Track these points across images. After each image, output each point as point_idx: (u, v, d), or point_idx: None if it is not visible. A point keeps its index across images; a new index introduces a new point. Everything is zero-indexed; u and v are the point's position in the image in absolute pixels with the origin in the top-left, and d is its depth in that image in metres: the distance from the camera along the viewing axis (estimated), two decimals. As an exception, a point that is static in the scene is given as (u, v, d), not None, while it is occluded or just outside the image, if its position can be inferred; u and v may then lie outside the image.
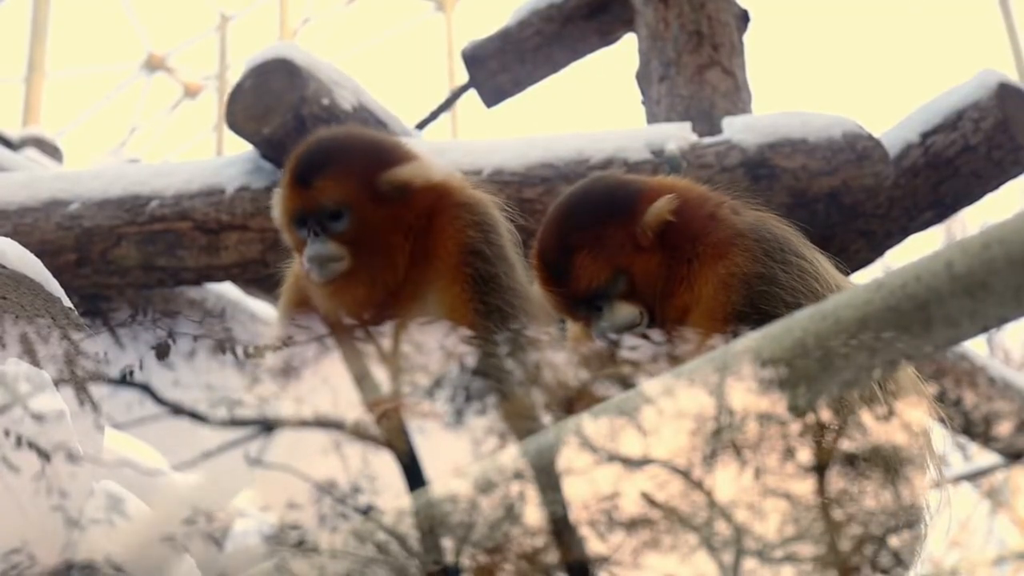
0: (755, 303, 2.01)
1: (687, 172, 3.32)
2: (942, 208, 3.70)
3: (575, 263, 2.15)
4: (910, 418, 1.95)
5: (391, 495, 1.52)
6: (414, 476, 1.56)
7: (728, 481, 1.41)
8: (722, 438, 1.40)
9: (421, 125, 4.39)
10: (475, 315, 2.09)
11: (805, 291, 2.04)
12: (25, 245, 2.22)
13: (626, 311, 2.12)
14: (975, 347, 5.68)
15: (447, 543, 1.47)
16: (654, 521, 1.41)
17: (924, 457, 2.01)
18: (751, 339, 1.42)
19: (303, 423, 1.55)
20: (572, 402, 1.63)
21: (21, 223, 3.51)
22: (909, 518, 1.90)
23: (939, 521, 2.04)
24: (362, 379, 1.77)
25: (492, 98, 4.40)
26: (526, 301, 2.16)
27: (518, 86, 4.38)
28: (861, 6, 13.62)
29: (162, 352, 1.60)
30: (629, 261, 2.13)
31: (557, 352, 1.80)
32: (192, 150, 11.37)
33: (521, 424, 1.54)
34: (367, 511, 1.51)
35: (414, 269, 2.18)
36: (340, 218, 2.16)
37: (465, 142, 3.67)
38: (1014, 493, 8.56)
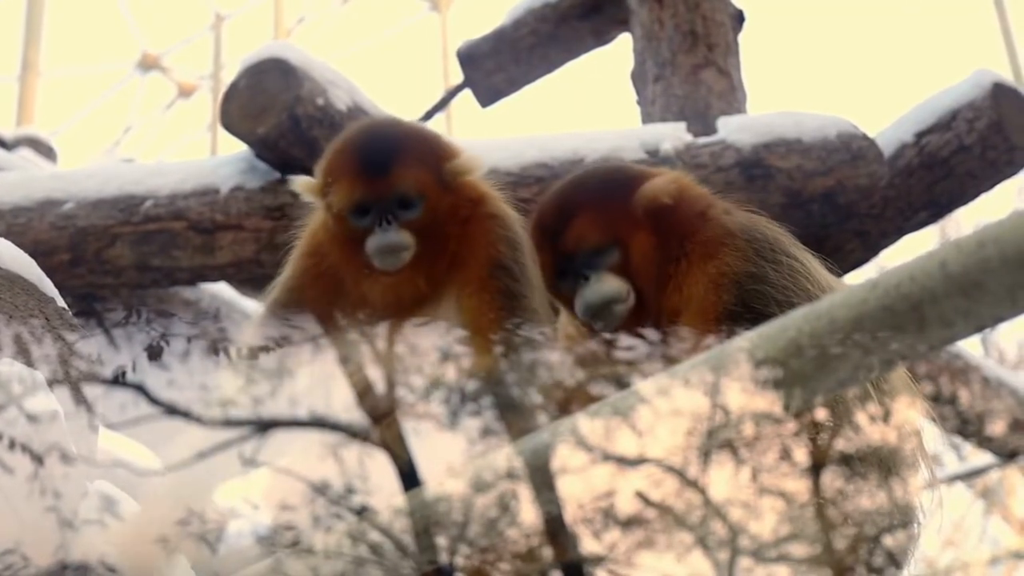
0: (747, 302, 2.01)
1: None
2: (936, 208, 3.70)
3: (571, 222, 2.15)
4: (903, 418, 1.95)
5: (385, 495, 1.52)
6: (409, 476, 1.55)
7: (723, 481, 1.41)
8: (717, 438, 1.40)
9: (416, 125, 4.38)
10: (503, 323, 2.08)
11: (796, 290, 2.04)
12: (19, 245, 2.21)
13: (612, 283, 2.12)
14: (969, 347, 5.68)
15: (442, 543, 1.47)
16: (649, 520, 1.40)
17: (917, 457, 2.01)
18: (745, 339, 1.41)
19: (297, 423, 1.55)
20: (568, 402, 1.62)
21: (15, 223, 3.50)
22: (903, 518, 1.90)
23: (933, 521, 2.04)
24: (358, 379, 1.77)
25: (487, 98, 4.40)
26: (546, 321, 2.16)
27: (513, 86, 4.38)
28: (856, 6, 13.63)
29: (154, 353, 1.59)
30: (624, 234, 2.14)
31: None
32: (186, 150, 11.38)
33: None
34: (361, 511, 1.51)
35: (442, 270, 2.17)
36: (412, 207, 2.14)
37: (460, 141, 3.66)
38: (1008, 493, 8.56)
